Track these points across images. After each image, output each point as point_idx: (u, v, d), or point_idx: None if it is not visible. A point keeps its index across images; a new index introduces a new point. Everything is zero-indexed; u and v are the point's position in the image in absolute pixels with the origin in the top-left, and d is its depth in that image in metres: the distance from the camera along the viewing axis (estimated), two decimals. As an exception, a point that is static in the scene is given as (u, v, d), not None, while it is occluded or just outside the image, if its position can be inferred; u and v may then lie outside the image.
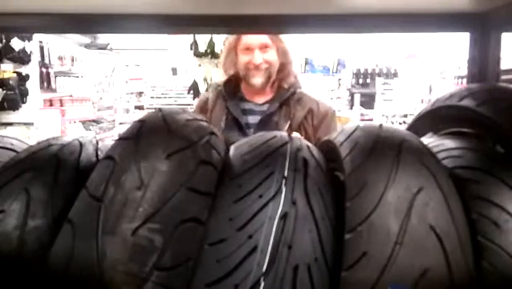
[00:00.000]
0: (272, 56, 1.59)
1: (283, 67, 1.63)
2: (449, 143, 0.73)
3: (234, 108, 1.60)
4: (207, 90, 5.27)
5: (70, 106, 5.51)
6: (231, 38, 1.65)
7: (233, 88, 1.65)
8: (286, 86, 1.62)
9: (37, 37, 4.49)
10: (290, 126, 1.54)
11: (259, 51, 1.57)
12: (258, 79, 1.59)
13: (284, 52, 1.62)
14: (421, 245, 0.53)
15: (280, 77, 1.63)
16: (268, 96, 1.64)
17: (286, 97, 1.60)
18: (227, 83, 1.67)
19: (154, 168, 0.56)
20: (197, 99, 1.71)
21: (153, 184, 0.55)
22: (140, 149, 0.58)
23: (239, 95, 1.65)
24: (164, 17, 1.07)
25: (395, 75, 6.85)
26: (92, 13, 1.05)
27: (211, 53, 5.20)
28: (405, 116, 6.25)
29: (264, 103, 1.62)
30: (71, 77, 5.91)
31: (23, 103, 4.31)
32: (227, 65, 1.68)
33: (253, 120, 1.60)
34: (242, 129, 1.56)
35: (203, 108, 1.67)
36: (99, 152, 0.76)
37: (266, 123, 1.56)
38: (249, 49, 1.58)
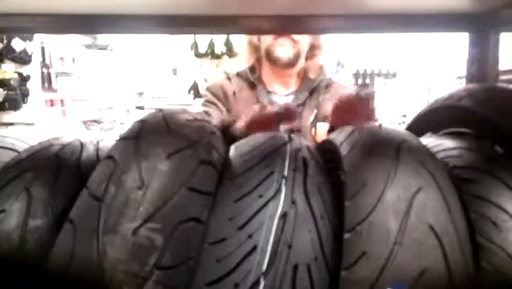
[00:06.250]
0: (301, 36, 1.39)
1: (313, 50, 1.44)
2: (448, 143, 0.73)
3: (264, 99, 1.40)
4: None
5: (71, 106, 5.52)
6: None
7: (256, 77, 1.46)
8: (312, 76, 1.44)
9: (38, 37, 4.50)
10: (317, 116, 1.38)
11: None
12: (285, 51, 1.37)
13: (315, 36, 1.43)
14: (420, 244, 0.53)
15: (307, 65, 1.44)
16: (293, 87, 1.45)
17: (313, 87, 1.42)
18: (252, 69, 1.46)
19: (154, 168, 0.56)
20: (206, 94, 1.48)
21: (154, 183, 0.55)
22: (141, 149, 0.58)
23: (261, 85, 1.46)
24: (165, 17, 1.07)
25: (394, 75, 6.84)
26: (93, 13, 1.05)
27: (211, 53, 5.22)
28: (404, 116, 6.24)
29: (289, 95, 1.43)
30: (72, 77, 5.92)
31: (24, 103, 4.33)
32: (247, 52, 1.46)
33: None
34: None
35: (218, 94, 1.44)
36: (99, 152, 0.76)
37: None
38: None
